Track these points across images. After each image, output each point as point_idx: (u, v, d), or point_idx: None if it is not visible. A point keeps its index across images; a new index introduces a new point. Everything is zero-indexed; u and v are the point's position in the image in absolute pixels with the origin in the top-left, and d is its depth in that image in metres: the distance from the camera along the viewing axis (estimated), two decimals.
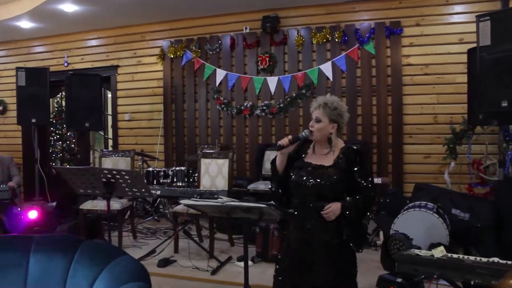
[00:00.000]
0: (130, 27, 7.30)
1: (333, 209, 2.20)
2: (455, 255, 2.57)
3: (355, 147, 2.35)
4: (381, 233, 4.44)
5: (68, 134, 8.55)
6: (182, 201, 2.19)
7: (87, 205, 4.44)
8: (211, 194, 3.59)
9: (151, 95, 7.25)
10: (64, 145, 8.63)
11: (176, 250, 4.36)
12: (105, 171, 2.48)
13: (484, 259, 2.43)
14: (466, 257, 2.52)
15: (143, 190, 2.45)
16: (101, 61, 7.58)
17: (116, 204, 4.41)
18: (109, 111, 7.81)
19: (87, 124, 6.15)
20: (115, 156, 4.88)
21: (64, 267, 1.90)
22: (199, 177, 4.57)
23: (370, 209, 2.37)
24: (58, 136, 8.69)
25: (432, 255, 2.51)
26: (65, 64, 7.89)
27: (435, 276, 2.45)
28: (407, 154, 5.75)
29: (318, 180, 2.23)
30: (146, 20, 7.06)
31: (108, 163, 4.87)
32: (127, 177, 2.41)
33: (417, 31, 5.69)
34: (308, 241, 2.26)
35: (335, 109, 2.26)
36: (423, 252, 2.60)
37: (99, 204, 4.44)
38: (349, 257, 2.29)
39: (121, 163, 4.86)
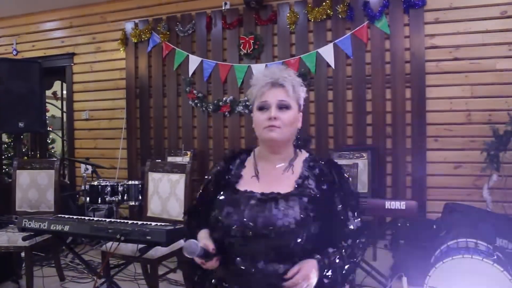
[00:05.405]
0: (88, 7, 6.21)
1: (305, 273, 1.26)
2: None
3: (327, 159, 1.49)
4: (404, 280, 3.09)
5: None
6: None
7: None
8: (143, 235, 2.22)
9: (113, 89, 6.04)
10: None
11: None
12: None
13: None
14: None
15: None
16: (55, 48, 6.46)
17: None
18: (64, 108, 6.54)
19: (21, 124, 4.86)
20: (34, 167, 3.53)
21: None
22: (145, 199, 3.24)
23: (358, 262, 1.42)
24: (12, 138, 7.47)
25: None
26: (14, 53, 6.71)
27: None
28: (431, 163, 4.63)
29: (271, 225, 1.29)
30: None
31: (24, 177, 3.53)
32: None
33: (445, 3, 4.59)
34: None
35: (300, 86, 1.44)
36: None
37: (1, 238, 3.12)
38: None
39: (42, 177, 3.51)
